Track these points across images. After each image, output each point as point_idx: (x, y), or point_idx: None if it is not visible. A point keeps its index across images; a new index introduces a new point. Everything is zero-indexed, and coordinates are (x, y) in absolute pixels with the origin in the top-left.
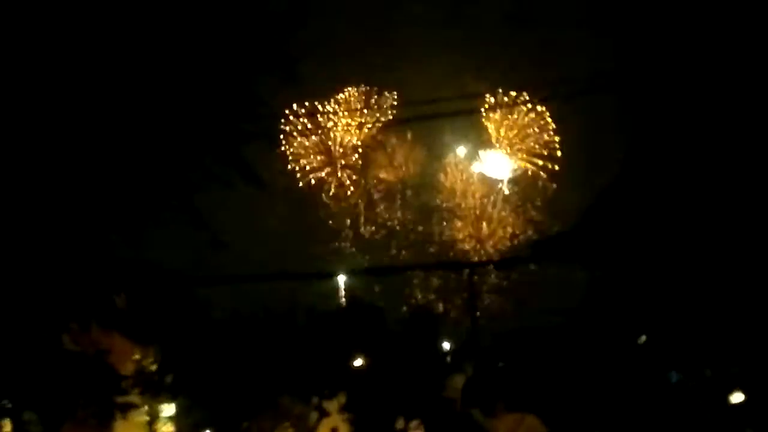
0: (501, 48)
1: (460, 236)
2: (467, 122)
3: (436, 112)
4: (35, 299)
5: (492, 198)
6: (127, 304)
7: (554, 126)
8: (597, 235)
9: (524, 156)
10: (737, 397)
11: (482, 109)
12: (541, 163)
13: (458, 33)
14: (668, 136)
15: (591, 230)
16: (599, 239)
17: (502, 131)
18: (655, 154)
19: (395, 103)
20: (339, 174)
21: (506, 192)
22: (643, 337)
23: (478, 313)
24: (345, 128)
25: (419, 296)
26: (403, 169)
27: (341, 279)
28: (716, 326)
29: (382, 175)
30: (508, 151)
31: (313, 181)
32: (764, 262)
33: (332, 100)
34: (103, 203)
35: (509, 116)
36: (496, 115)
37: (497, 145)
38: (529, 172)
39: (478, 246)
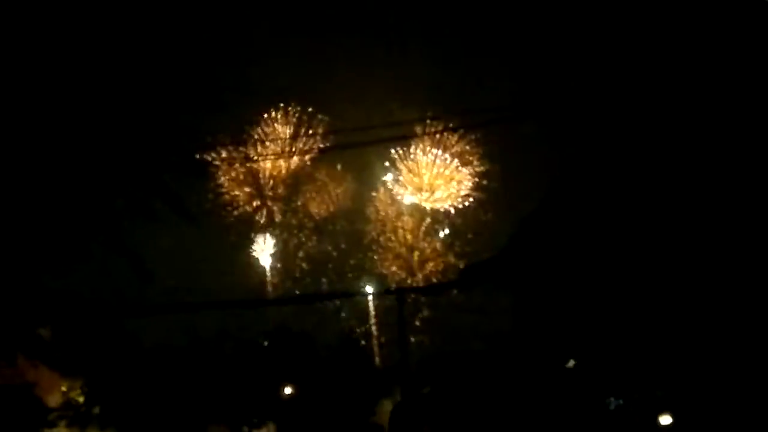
0: (428, 76)
1: (392, 268)
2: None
3: (367, 140)
4: None
5: (422, 229)
6: (54, 336)
7: (481, 154)
8: (522, 261)
9: (455, 186)
10: (665, 419)
11: (414, 137)
12: (471, 193)
13: (386, 62)
14: (590, 162)
15: (516, 255)
16: (524, 264)
17: (431, 162)
18: (579, 179)
19: (322, 131)
20: (268, 205)
21: (441, 227)
22: (572, 362)
23: (411, 339)
24: (274, 158)
25: (348, 323)
26: (333, 200)
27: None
28: (642, 349)
29: (312, 206)
30: (440, 181)
31: (238, 213)
32: (687, 281)
33: (259, 129)
34: (30, 234)
35: (438, 146)
36: (426, 145)
37: (425, 176)
38: (461, 203)
39: (409, 278)
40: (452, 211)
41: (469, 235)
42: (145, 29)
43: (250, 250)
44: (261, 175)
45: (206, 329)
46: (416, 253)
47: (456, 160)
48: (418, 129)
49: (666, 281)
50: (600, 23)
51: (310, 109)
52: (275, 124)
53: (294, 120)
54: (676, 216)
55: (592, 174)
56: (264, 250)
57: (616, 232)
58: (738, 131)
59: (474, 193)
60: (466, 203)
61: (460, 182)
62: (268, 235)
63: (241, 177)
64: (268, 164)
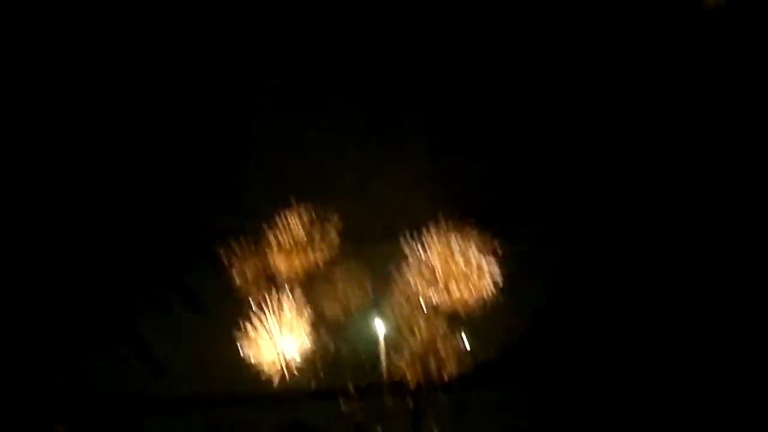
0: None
1: (408, 369)
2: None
3: (382, 237)
4: None
5: (440, 330)
6: None
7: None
8: (540, 355)
9: (472, 286)
10: None
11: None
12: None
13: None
14: (599, 252)
15: (533, 351)
16: (542, 359)
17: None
18: (589, 268)
19: (338, 230)
20: (283, 303)
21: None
22: None
23: None
24: (287, 256)
25: (364, 421)
26: (348, 299)
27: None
28: None
29: (327, 305)
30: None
31: (255, 308)
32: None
33: (274, 226)
34: (43, 329)
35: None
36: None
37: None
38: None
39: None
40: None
41: (488, 332)
42: (161, 123)
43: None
44: (275, 272)
45: (222, 423)
46: (433, 358)
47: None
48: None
49: (690, 378)
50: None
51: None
52: (289, 226)
53: (306, 221)
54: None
55: (603, 260)
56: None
57: (636, 320)
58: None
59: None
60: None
61: (479, 273)
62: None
63: (254, 275)
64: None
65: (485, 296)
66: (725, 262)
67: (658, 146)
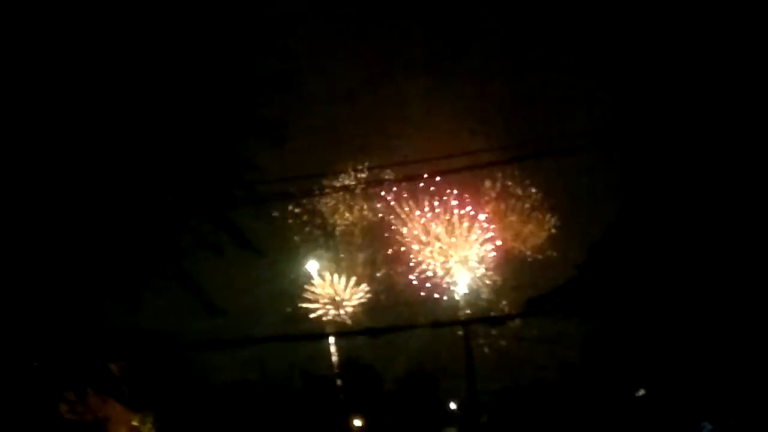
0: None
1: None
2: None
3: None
4: (31, 368)
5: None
6: (124, 371)
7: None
8: (591, 289)
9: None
10: None
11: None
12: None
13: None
14: (659, 189)
15: (585, 284)
16: (594, 293)
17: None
18: (647, 206)
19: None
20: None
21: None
22: (642, 391)
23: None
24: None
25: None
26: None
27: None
28: (714, 378)
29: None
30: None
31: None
32: (759, 312)
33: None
34: (97, 271)
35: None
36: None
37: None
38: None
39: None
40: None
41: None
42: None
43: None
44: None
45: (275, 363)
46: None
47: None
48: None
49: (739, 306)
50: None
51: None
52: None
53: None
54: (754, 238)
55: (660, 197)
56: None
57: (687, 256)
58: None
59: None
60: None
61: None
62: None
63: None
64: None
65: (543, 231)
66: None
67: None
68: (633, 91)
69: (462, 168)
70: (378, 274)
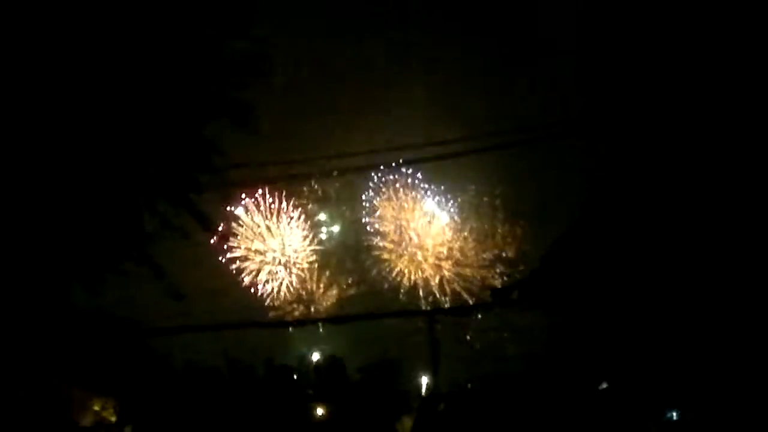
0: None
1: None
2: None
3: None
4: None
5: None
6: (86, 354)
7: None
8: (554, 281)
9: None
10: None
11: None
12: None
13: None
14: (624, 182)
15: (549, 276)
16: (557, 285)
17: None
18: (612, 197)
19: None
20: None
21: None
22: (605, 384)
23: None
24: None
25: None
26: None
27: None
28: (678, 366)
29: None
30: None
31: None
32: (725, 300)
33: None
34: (62, 252)
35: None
36: None
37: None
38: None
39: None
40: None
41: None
42: (175, 41)
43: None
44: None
45: (238, 350)
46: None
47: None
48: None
49: (704, 299)
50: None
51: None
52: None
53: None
54: (716, 231)
55: (625, 189)
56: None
57: (651, 250)
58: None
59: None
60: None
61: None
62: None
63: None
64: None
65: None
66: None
67: None
68: (599, 80)
69: (432, 158)
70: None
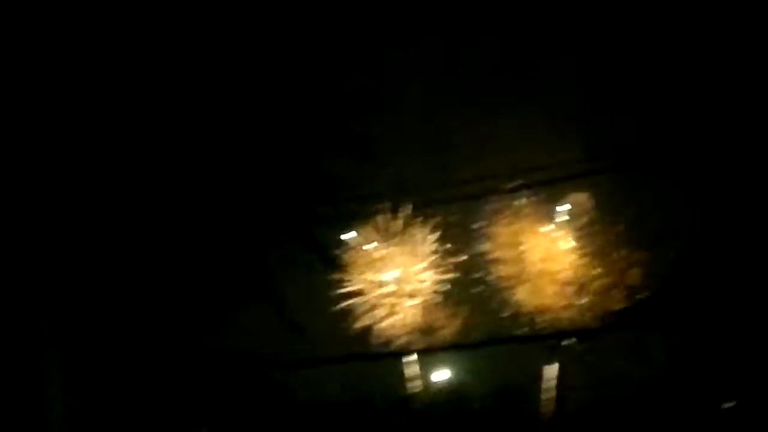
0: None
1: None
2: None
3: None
4: (128, 392)
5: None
6: (215, 394)
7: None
8: (678, 302)
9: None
10: None
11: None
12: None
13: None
14: (735, 202)
15: (671, 297)
16: (680, 305)
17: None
18: (724, 218)
19: None
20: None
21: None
22: (729, 403)
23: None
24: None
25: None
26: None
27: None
28: None
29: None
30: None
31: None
32: None
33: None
34: (186, 291)
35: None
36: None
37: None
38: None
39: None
40: None
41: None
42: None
43: None
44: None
45: (359, 382)
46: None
47: None
48: None
49: None
50: None
51: None
52: None
53: None
54: None
55: (745, 207)
56: None
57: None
58: None
59: None
60: None
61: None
62: None
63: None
64: None
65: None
66: None
67: None
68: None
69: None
70: None
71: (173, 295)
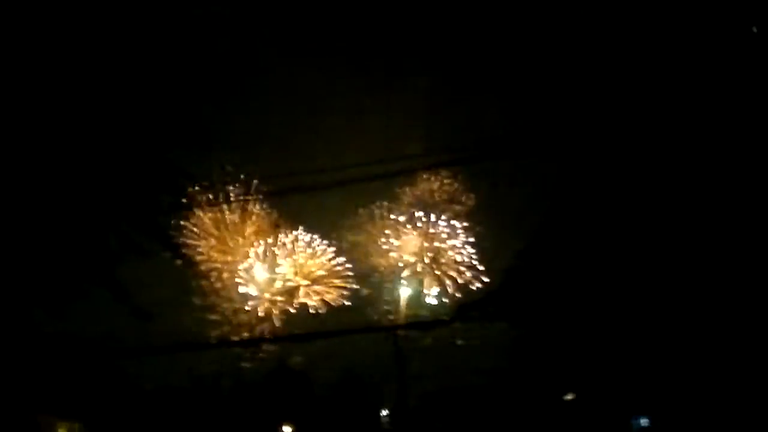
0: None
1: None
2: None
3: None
4: None
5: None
6: (51, 378)
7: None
8: (520, 294)
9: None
10: None
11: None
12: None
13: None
14: (584, 196)
15: (514, 289)
16: (523, 298)
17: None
18: (573, 213)
19: None
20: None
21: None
22: (570, 395)
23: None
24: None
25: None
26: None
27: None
28: (642, 380)
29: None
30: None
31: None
32: (690, 307)
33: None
34: (25, 277)
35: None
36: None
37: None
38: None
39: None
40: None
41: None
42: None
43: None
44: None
45: (205, 369)
46: None
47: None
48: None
49: (669, 305)
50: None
51: None
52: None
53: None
54: (677, 239)
55: (587, 202)
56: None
57: (614, 260)
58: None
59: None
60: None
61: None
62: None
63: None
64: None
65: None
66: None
67: None
68: (560, 94)
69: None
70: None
71: (11, 281)
